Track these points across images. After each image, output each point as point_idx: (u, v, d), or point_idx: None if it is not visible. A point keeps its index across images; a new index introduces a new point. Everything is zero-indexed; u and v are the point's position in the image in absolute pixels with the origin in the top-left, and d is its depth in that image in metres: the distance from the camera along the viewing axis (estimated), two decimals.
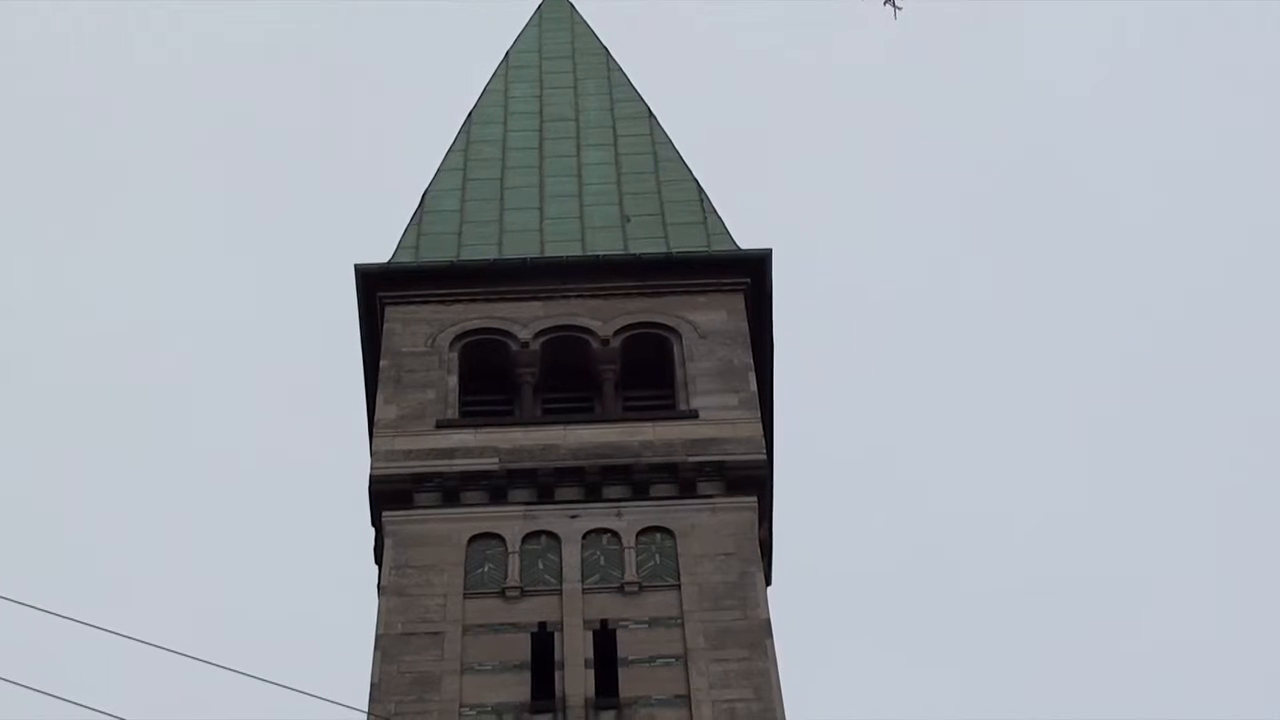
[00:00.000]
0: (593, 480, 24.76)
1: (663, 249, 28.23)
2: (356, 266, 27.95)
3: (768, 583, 25.20)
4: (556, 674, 22.57)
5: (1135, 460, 57.65)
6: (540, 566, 23.95)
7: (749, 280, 27.69)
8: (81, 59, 65.18)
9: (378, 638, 23.05)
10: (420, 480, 24.80)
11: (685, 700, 22.19)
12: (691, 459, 24.93)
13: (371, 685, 22.48)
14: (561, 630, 23.03)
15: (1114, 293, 60.85)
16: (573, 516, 24.51)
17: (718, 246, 28.34)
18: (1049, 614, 55.06)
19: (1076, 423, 58.50)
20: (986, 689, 50.37)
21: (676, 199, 29.58)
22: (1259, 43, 61.81)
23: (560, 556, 23.99)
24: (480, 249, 28.40)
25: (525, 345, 26.88)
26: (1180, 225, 62.00)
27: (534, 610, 23.37)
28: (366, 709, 21.92)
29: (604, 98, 32.76)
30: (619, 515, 24.52)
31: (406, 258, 28.21)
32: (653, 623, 23.17)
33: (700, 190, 29.74)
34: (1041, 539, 57.71)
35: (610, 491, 24.73)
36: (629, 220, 29.02)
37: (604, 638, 23.02)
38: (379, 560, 24.63)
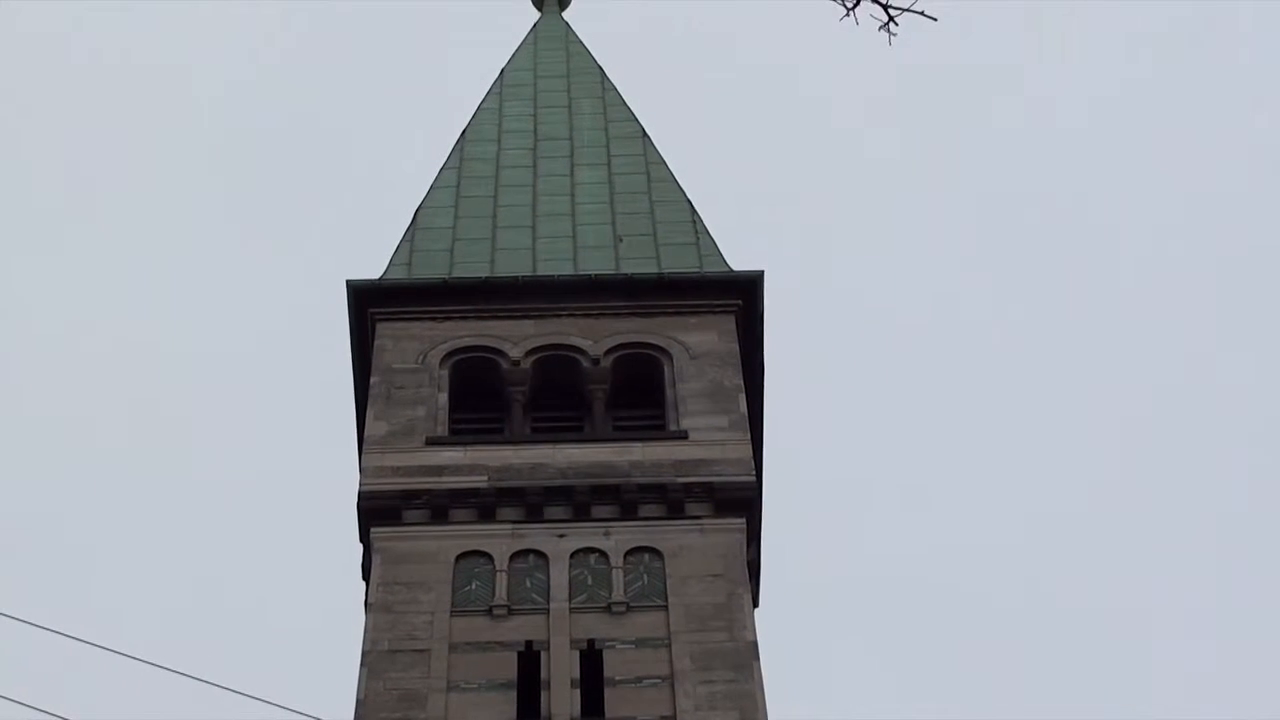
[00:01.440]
0: (581, 500, 24.75)
1: (655, 269, 28.24)
2: (348, 282, 27.94)
3: (755, 604, 25.19)
4: (543, 693, 22.53)
5: (1134, 478, 57.72)
6: (528, 585, 23.93)
7: (740, 302, 27.71)
8: (79, 65, 65.23)
9: (364, 654, 23.01)
10: (409, 497, 24.78)
11: None
12: (680, 480, 24.92)
13: (357, 702, 22.45)
14: (548, 650, 23.01)
15: (1114, 310, 60.91)
16: (561, 535, 24.49)
17: (710, 268, 28.35)
18: (1042, 639, 55.01)
19: (1072, 450, 58.49)
20: (978, 711, 50.31)
21: (669, 219, 29.59)
22: (1262, 66, 62.08)
23: (548, 575, 23.96)
24: (472, 267, 28.40)
25: (516, 363, 26.88)
26: (1180, 236, 62.17)
27: (521, 629, 23.35)
28: None
29: (598, 117, 32.76)
30: (607, 535, 24.50)
31: (399, 274, 28.22)
32: (640, 643, 23.15)
33: (693, 211, 29.75)
34: (1037, 564, 57.71)
35: (599, 511, 24.71)
36: (621, 240, 29.02)
37: (591, 658, 22.99)
38: (366, 577, 24.62)
